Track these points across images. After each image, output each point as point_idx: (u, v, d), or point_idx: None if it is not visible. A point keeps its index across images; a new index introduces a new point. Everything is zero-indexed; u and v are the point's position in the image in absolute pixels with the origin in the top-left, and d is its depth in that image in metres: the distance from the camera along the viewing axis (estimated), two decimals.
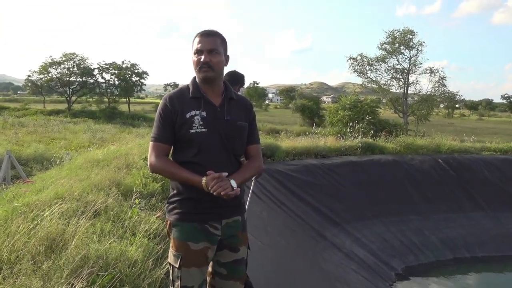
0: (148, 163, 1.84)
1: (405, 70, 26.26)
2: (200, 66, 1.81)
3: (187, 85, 1.90)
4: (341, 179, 8.24)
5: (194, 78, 1.90)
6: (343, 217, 7.56)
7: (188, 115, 1.80)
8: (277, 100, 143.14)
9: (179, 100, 1.83)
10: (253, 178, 3.30)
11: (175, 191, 1.87)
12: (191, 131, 1.78)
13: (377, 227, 7.84)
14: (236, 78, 3.48)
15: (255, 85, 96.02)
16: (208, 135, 1.80)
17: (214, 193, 1.68)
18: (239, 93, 3.41)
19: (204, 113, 1.81)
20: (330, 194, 7.83)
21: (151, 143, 1.84)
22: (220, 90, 1.90)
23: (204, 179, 1.72)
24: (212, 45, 1.80)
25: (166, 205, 1.92)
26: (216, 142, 1.82)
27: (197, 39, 1.81)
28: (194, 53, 1.82)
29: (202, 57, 1.79)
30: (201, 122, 1.80)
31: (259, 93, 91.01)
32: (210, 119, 1.81)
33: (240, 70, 3.55)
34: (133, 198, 3.86)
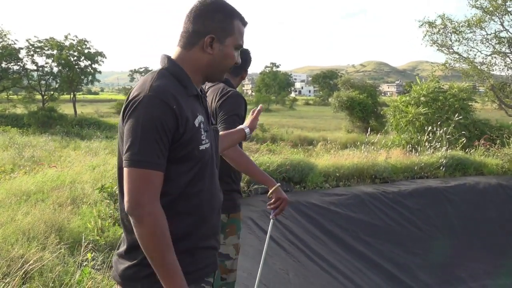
0: (135, 203, 1.77)
1: None
2: (231, 67, 2.06)
3: (169, 72, 1.94)
4: (414, 217, 8.17)
5: (175, 62, 1.98)
6: (419, 279, 7.48)
7: (197, 123, 1.90)
8: (309, 91, 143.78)
9: (182, 99, 1.88)
10: (271, 217, 3.35)
11: None
12: (201, 147, 1.91)
13: None
14: (243, 59, 3.53)
15: (275, 68, 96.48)
16: (210, 151, 1.98)
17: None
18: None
19: (202, 118, 1.95)
20: (397, 241, 7.77)
21: (138, 171, 1.78)
22: None
23: None
24: None
25: (132, 269, 1.90)
26: (213, 160, 2.03)
27: (241, 27, 2.03)
28: (235, 47, 2.02)
29: (237, 56, 2.05)
30: (205, 133, 1.94)
31: (281, 81, 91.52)
32: (208, 127, 1.99)
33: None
34: (83, 251, 3.91)
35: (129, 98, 1.84)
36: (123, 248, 1.93)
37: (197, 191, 1.91)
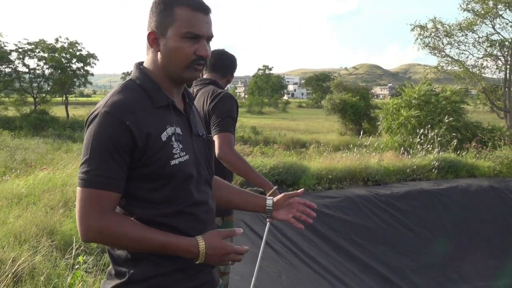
0: (84, 227, 1.66)
1: (507, 43, 26.24)
2: (194, 62, 1.78)
3: (136, 83, 1.81)
4: (407, 219, 8.19)
5: (143, 69, 1.84)
6: (411, 281, 7.50)
7: (164, 137, 1.73)
8: (302, 94, 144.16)
9: (143, 113, 1.72)
10: (268, 220, 3.31)
11: (147, 259, 1.75)
12: (172, 162, 1.73)
13: None
14: (230, 62, 3.51)
15: (267, 71, 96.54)
16: (191, 165, 1.81)
17: (229, 263, 1.80)
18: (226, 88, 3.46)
19: (178, 130, 1.79)
20: (390, 243, 7.78)
21: (86, 191, 1.66)
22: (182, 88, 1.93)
23: (202, 242, 1.73)
24: (211, 29, 1.82)
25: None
26: (199, 175, 1.86)
27: (189, 13, 1.75)
28: (181, 36, 1.75)
29: (199, 47, 1.76)
30: (180, 146, 1.77)
31: (274, 83, 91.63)
32: (187, 138, 1.82)
33: (235, 48, 3.57)
34: (74, 254, 3.90)
35: (89, 114, 1.75)
36: (109, 268, 1.86)
37: (177, 210, 1.76)
